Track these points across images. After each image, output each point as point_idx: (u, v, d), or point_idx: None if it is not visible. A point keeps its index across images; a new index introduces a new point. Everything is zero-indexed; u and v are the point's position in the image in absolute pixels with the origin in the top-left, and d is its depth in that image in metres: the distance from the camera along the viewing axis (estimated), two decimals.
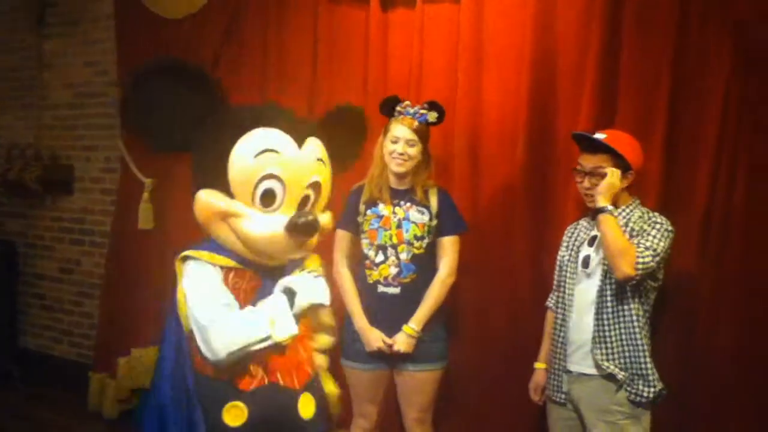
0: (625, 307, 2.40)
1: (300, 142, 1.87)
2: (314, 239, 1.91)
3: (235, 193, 1.83)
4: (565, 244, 2.66)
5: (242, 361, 1.81)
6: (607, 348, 2.40)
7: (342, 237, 2.90)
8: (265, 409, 1.83)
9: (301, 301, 1.84)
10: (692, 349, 2.73)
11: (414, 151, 2.73)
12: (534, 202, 3.08)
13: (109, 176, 4.60)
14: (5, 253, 4.98)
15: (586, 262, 2.50)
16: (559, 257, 2.67)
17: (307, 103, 3.57)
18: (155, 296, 4.19)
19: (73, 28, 4.75)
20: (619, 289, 2.39)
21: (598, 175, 2.42)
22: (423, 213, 2.79)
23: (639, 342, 2.39)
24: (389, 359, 2.81)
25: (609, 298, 2.41)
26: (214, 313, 1.79)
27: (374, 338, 2.75)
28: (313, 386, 1.99)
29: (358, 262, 2.90)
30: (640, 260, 2.29)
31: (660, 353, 2.47)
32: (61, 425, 4.17)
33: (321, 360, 2.12)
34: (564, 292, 2.58)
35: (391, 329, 2.77)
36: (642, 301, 2.41)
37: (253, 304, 1.85)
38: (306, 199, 1.91)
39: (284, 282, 1.87)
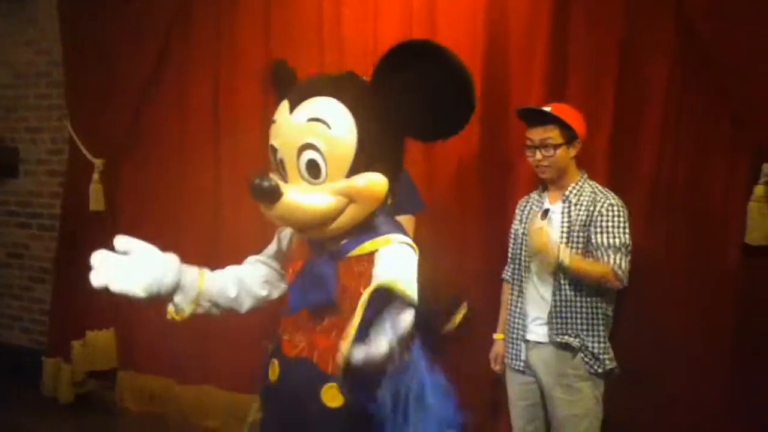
0: (583, 286, 2.49)
1: (296, 104, 1.66)
2: (302, 209, 1.63)
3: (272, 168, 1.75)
4: (518, 217, 2.74)
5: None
6: (563, 324, 2.50)
7: None
8: (292, 379, 1.77)
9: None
10: (641, 320, 2.83)
11: None
12: (487, 180, 3.16)
13: (56, 158, 4.50)
14: None
15: None
16: (512, 230, 2.76)
17: (262, 87, 3.55)
18: None
19: (11, 6, 4.60)
20: None
21: (548, 146, 2.52)
22: None
23: (596, 320, 2.50)
24: None
25: (565, 278, 2.50)
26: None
27: None
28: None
29: None
30: (620, 271, 2.41)
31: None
32: (16, 412, 4.11)
33: None
34: (519, 265, 2.68)
35: None
36: None
37: (292, 283, 1.80)
38: (313, 164, 1.63)
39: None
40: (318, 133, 1.63)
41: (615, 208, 2.48)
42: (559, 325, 2.51)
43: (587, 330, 2.50)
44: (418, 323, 1.43)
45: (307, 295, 1.72)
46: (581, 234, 2.49)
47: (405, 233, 1.79)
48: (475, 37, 3.10)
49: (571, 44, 2.95)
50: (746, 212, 2.70)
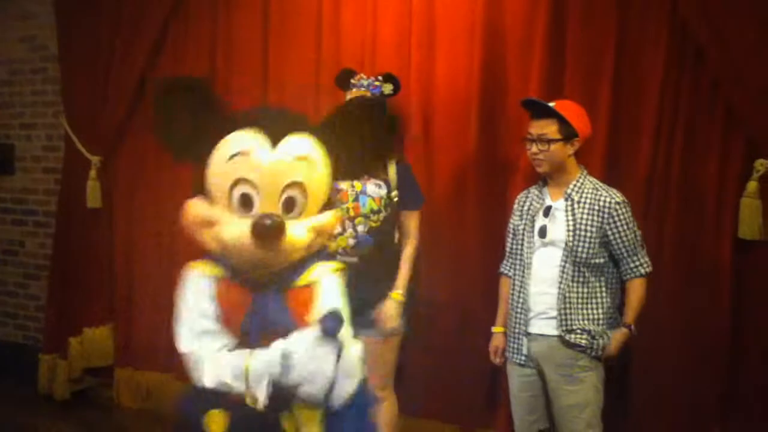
0: (588, 281, 2.54)
1: (277, 140, 1.73)
2: (292, 245, 1.71)
3: (215, 199, 1.75)
4: (518, 213, 2.76)
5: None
6: (570, 319, 2.53)
7: None
8: (248, 422, 1.73)
9: (293, 380, 1.65)
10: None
11: None
12: (484, 175, 3.18)
13: (52, 155, 4.49)
14: None
15: (542, 231, 2.61)
16: (512, 225, 2.78)
17: (261, 80, 3.57)
18: (106, 274, 4.18)
19: (5, 2, 4.58)
20: (580, 265, 2.53)
21: (544, 141, 2.55)
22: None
23: (600, 314, 2.55)
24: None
25: (571, 274, 2.54)
26: (194, 342, 1.74)
27: None
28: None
29: None
30: (648, 268, 2.58)
31: None
32: (12, 409, 4.10)
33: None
34: (520, 260, 2.70)
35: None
36: (604, 271, 2.57)
37: (244, 323, 1.75)
38: (290, 201, 1.75)
39: (281, 344, 1.67)
40: (304, 171, 1.75)
41: (622, 206, 2.53)
42: (566, 321, 2.53)
43: (592, 319, 2.53)
44: None
45: (267, 328, 1.73)
46: (587, 231, 2.52)
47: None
48: (473, 34, 3.13)
49: (568, 42, 2.99)
50: (739, 207, 2.74)
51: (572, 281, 2.54)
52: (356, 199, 2.83)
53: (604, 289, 2.57)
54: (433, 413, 3.34)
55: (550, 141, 2.54)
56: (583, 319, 2.53)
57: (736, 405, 2.81)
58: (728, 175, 2.80)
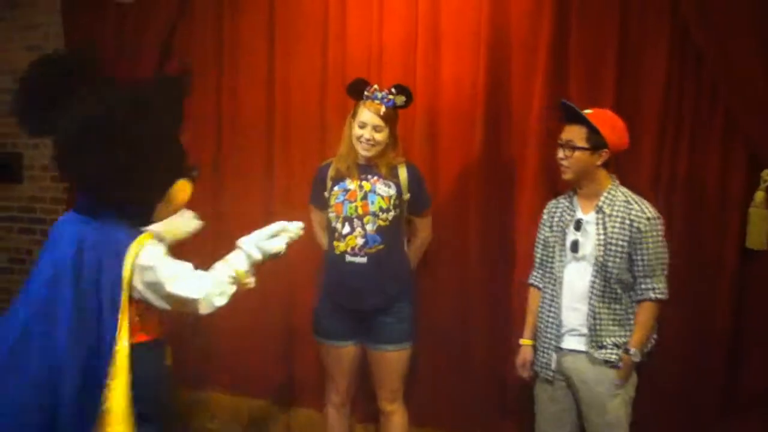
0: (620, 298, 2.50)
1: None
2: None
3: None
4: (548, 224, 2.69)
5: None
6: (600, 335, 2.49)
7: (312, 211, 3.03)
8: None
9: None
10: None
11: (381, 136, 2.77)
12: (489, 178, 3.19)
13: None
14: None
15: (575, 246, 2.56)
16: (542, 236, 2.71)
17: (267, 85, 3.58)
18: None
19: (12, 12, 4.60)
20: (611, 281, 2.49)
21: (570, 147, 2.51)
22: (390, 187, 2.83)
23: (631, 322, 2.51)
24: (357, 336, 2.92)
25: (601, 290, 2.49)
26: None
27: None
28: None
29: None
30: (660, 296, 2.49)
31: None
32: None
33: None
34: (551, 273, 2.64)
35: (355, 298, 2.84)
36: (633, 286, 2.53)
37: None
38: None
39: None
40: None
41: (652, 222, 2.47)
42: (597, 338, 2.50)
43: (623, 335, 2.49)
44: None
45: None
46: (618, 247, 2.47)
47: None
48: (478, 37, 3.15)
49: (571, 45, 3.01)
50: (744, 213, 2.78)
51: (603, 297, 2.49)
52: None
53: (634, 302, 2.52)
54: (442, 423, 3.34)
55: (575, 148, 2.50)
56: (613, 336, 2.49)
57: (736, 405, 2.82)
58: (733, 176, 2.82)
